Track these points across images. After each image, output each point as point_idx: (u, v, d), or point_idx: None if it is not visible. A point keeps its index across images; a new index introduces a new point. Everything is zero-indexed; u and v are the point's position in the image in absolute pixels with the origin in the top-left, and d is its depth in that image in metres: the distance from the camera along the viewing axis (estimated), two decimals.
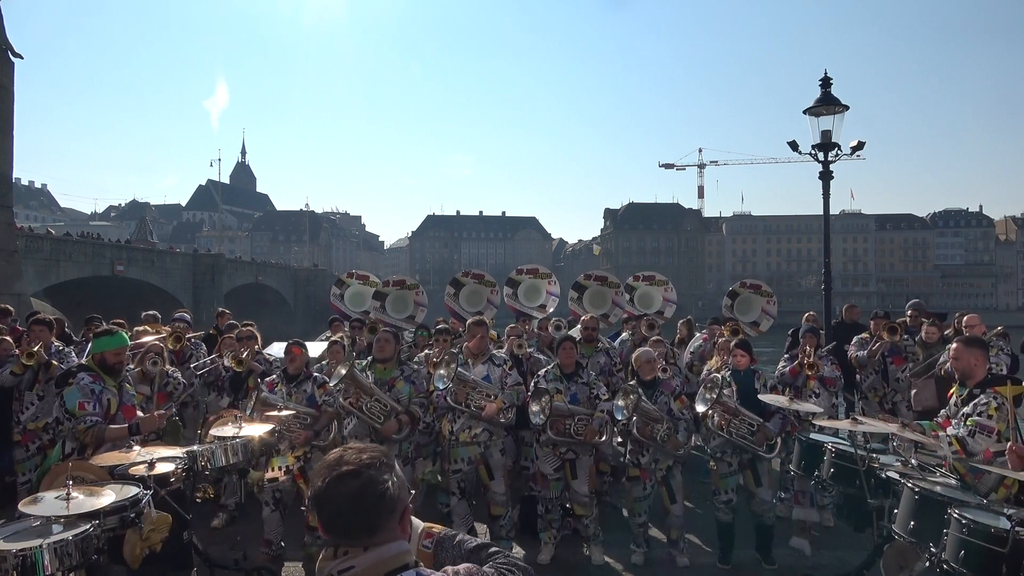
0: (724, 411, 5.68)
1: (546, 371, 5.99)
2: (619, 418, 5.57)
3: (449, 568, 1.69)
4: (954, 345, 4.56)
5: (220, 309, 9.65)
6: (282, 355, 6.54)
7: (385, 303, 10.11)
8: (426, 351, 7.49)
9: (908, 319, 8.73)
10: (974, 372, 4.36)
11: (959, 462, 4.19)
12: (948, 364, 7.11)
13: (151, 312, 8.52)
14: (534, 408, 5.58)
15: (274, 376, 6.05)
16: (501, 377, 5.94)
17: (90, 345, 4.93)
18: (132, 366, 6.26)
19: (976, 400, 4.23)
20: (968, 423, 4.16)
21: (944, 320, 8.44)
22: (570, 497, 5.87)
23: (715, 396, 5.57)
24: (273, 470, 5.57)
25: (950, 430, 4.38)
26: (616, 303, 9.96)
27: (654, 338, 7.62)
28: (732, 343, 6.36)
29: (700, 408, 5.74)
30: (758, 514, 5.74)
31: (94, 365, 4.78)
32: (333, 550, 1.63)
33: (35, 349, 6.30)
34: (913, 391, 7.67)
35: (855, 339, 8.38)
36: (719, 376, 5.83)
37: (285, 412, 5.50)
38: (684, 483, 6.00)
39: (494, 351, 6.38)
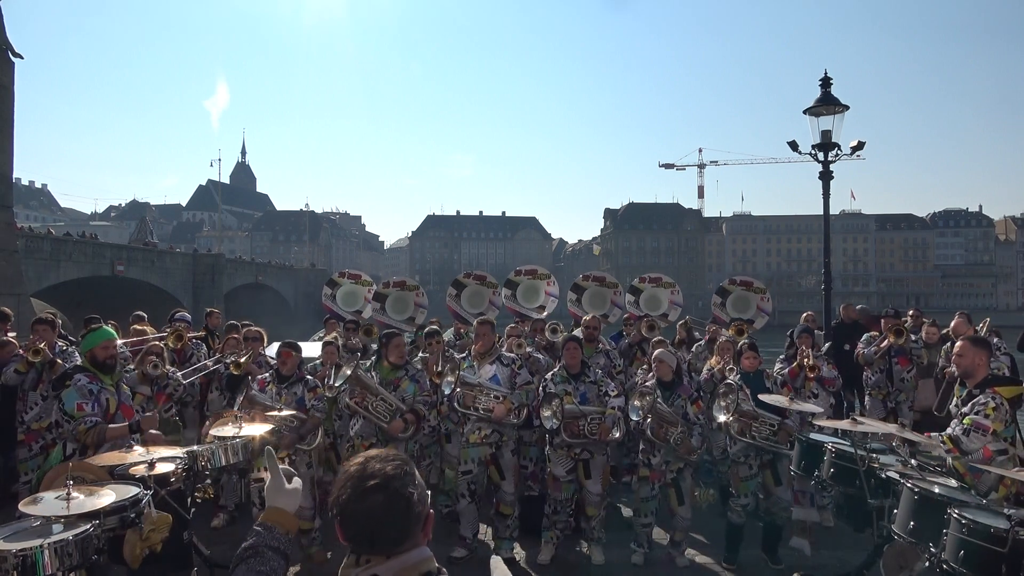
0: (742, 416, 5.66)
1: (552, 374, 5.96)
2: (634, 418, 5.56)
3: None
4: (960, 343, 4.54)
5: (209, 309, 9.65)
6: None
7: (385, 304, 10.11)
8: (421, 354, 7.47)
9: (910, 318, 8.78)
10: (976, 372, 4.36)
11: (959, 462, 4.19)
12: (948, 369, 7.18)
13: (138, 312, 8.49)
14: (546, 413, 5.56)
15: (266, 375, 6.06)
16: (510, 377, 5.94)
17: (80, 345, 4.93)
18: (132, 367, 6.27)
19: (975, 400, 4.23)
20: (965, 422, 4.17)
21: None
22: (582, 496, 5.85)
23: (735, 404, 5.55)
24: (259, 471, 5.57)
25: (949, 429, 4.37)
26: (615, 303, 9.95)
27: (656, 339, 7.60)
28: (741, 344, 6.34)
29: (721, 418, 5.69)
30: (773, 513, 5.73)
31: (88, 364, 4.78)
32: (356, 557, 1.63)
33: (40, 346, 6.30)
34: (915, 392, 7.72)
35: (864, 336, 8.41)
36: (732, 382, 5.81)
37: (286, 412, 5.50)
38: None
39: (503, 351, 6.38)
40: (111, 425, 4.62)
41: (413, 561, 1.62)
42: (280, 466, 2.07)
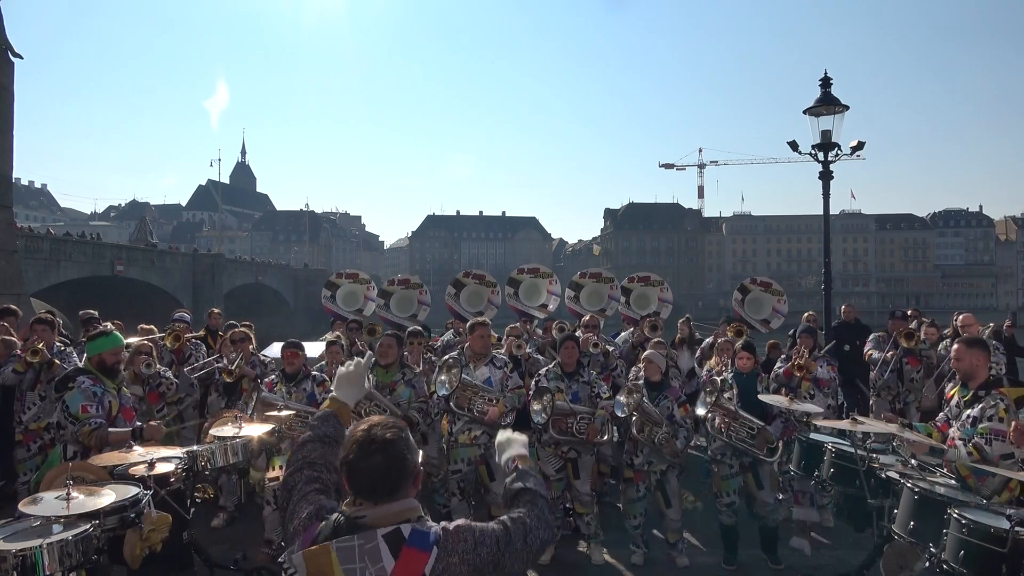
0: (724, 414, 5.66)
1: (547, 370, 5.97)
2: (619, 414, 5.56)
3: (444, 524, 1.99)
4: (956, 346, 4.51)
5: (211, 310, 9.67)
6: (280, 356, 6.55)
7: (390, 301, 10.16)
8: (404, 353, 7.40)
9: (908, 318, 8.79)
10: (976, 373, 4.33)
11: (962, 464, 4.16)
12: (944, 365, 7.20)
13: (89, 312, 8.39)
14: (536, 407, 5.55)
15: (273, 376, 6.06)
16: (502, 380, 5.92)
17: (86, 347, 4.92)
18: (122, 367, 6.27)
19: (983, 404, 4.19)
20: (981, 429, 4.12)
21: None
22: (572, 496, 5.86)
23: (714, 399, 5.55)
24: (274, 469, 5.57)
25: (952, 431, 4.36)
26: (612, 297, 9.99)
27: (655, 340, 7.59)
28: (737, 344, 6.33)
29: (700, 411, 5.73)
30: (761, 516, 5.73)
31: (93, 368, 4.77)
32: (352, 499, 1.97)
33: (39, 347, 6.29)
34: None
35: (872, 336, 8.41)
36: (719, 379, 5.81)
37: (285, 412, 5.50)
38: (684, 483, 5.98)
39: (496, 353, 6.37)
40: (114, 429, 4.62)
41: (397, 509, 1.93)
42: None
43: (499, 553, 1.96)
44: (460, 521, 2.02)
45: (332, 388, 2.62)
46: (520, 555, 2.02)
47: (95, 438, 4.51)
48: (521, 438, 2.50)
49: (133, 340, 7.05)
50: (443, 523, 1.99)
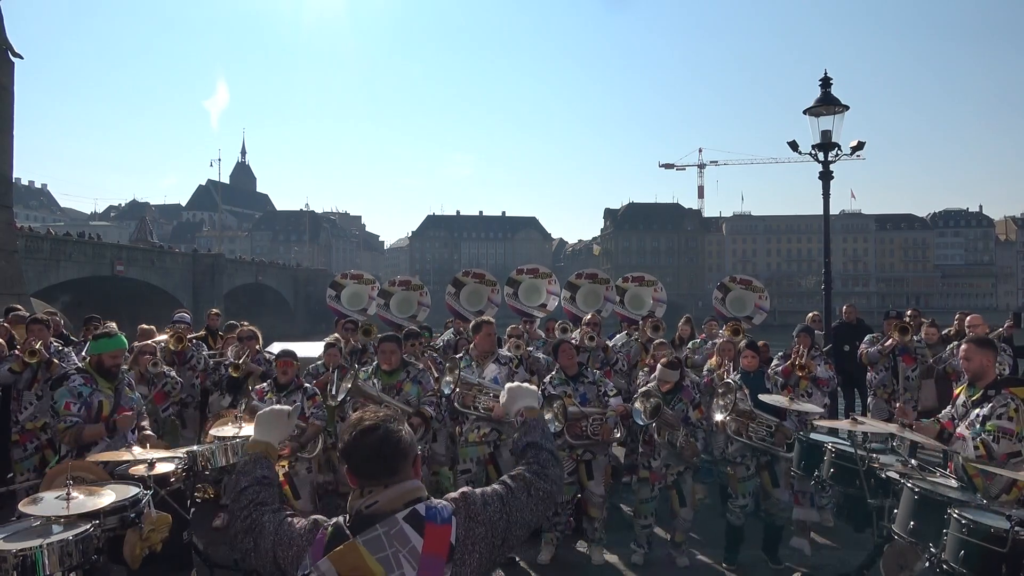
0: (739, 416, 5.64)
1: (551, 376, 5.94)
2: (639, 422, 5.54)
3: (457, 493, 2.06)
4: (965, 346, 4.48)
5: (210, 310, 9.69)
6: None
7: (390, 302, 10.16)
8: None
9: (908, 318, 8.80)
10: (985, 373, 4.33)
11: (970, 464, 4.15)
12: (950, 362, 7.19)
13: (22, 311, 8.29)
14: (547, 416, 5.45)
15: (265, 385, 6.06)
16: (508, 376, 5.93)
17: (87, 346, 4.94)
18: (126, 367, 6.26)
19: (993, 403, 4.18)
20: (989, 427, 4.11)
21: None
22: (584, 498, 5.82)
23: (732, 403, 5.53)
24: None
25: (960, 429, 4.35)
26: (607, 298, 10.00)
27: (658, 341, 7.57)
28: (741, 343, 6.31)
29: (718, 417, 5.67)
30: (772, 514, 5.71)
31: (90, 367, 4.79)
32: (360, 491, 1.96)
33: (36, 347, 6.30)
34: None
35: (867, 337, 8.43)
36: (732, 381, 5.78)
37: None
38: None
39: (501, 351, 6.37)
40: (89, 426, 4.67)
41: (406, 489, 1.96)
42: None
43: (504, 509, 2.05)
44: (464, 489, 2.10)
45: (253, 429, 2.43)
46: (526, 506, 2.10)
47: (69, 436, 4.59)
48: (531, 388, 2.53)
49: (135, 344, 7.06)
50: (447, 495, 2.06)
